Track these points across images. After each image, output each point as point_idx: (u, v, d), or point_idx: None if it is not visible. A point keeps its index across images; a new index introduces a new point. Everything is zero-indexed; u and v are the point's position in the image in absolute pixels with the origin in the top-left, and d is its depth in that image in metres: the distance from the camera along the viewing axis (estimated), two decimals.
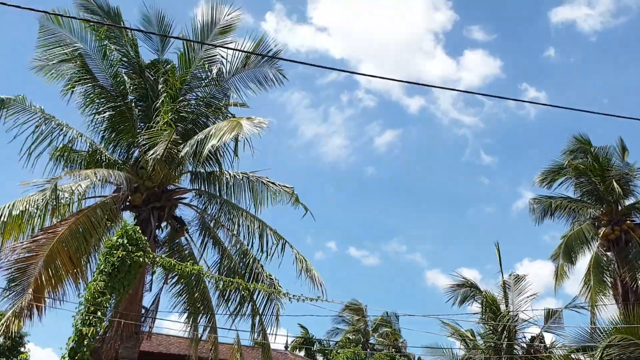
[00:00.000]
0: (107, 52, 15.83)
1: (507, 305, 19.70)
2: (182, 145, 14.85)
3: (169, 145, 14.42)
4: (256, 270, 15.68)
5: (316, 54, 36.88)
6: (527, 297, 19.81)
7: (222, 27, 16.51)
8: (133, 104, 16.17)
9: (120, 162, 15.92)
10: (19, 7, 7.56)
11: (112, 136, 16.05)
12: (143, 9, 16.25)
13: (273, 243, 15.63)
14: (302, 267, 15.34)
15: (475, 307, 20.57)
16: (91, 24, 15.29)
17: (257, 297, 15.57)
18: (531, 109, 61.63)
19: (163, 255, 13.98)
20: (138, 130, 15.80)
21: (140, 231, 12.70)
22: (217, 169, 16.58)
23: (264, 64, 16.47)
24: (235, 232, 16.19)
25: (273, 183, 16.60)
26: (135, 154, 16.08)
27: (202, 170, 16.86)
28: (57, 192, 12.58)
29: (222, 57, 16.65)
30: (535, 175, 25.44)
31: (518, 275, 20.63)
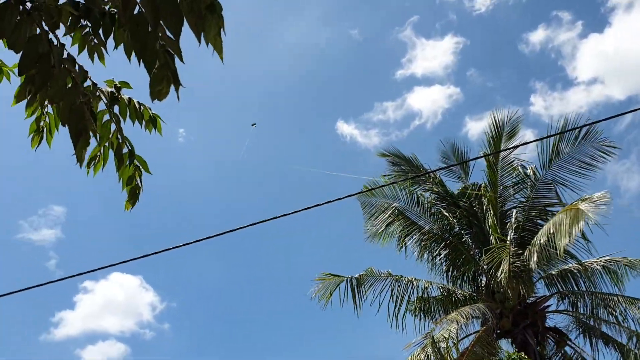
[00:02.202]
0: (419, 198, 16.96)
1: None
2: (524, 255, 14.50)
3: (511, 260, 14.19)
4: None
5: (599, 106, 33.85)
6: None
7: (508, 132, 16.47)
8: (462, 235, 16.57)
9: (473, 294, 16.04)
10: (329, 201, 8.53)
11: (455, 273, 16.42)
12: (440, 146, 17.21)
13: None
14: None
15: None
16: (398, 179, 16.65)
17: None
18: None
19: None
20: (477, 257, 15.95)
21: (525, 356, 12.42)
22: (572, 263, 15.54)
23: (582, 143, 15.50)
24: (620, 322, 14.70)
25: (630, 262, 15.10)
26: (483, 280, 16.09)
27: (552, 272, 16.02)
28: (436, 344, 13.01)
29: (518, 159, 16.48)
30: None
31: None
